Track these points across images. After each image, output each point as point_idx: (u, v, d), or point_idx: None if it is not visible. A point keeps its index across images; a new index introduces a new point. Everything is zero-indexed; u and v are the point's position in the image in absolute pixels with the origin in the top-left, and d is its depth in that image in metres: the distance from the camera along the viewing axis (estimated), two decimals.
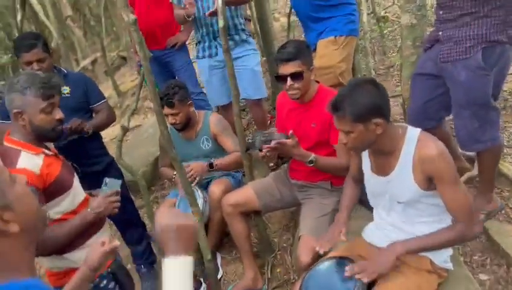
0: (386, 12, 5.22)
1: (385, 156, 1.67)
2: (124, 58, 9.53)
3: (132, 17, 1.92)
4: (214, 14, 2.70)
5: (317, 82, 2.26)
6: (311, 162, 2.08)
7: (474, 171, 2.38)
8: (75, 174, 1.84)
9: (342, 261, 1.75)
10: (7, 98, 1.67)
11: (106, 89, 7.33)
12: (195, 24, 3.05)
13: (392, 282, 1.62)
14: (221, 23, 2.24)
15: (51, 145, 2.06)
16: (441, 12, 2.01)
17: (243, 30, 3.03)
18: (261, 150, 2.09)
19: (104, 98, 2.67)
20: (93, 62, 10.14)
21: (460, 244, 1.86)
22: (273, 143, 1.99)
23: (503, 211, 2.23)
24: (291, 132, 2.01)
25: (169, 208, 1.22)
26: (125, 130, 2.53)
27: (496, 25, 1.87)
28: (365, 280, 1.56)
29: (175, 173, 2.66)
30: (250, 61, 3.02)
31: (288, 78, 2.07)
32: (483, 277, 2.00)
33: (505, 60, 1.96)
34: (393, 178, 1.65)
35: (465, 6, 1.90)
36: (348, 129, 1.59)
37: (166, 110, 2.57)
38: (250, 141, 2.12)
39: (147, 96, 5.89)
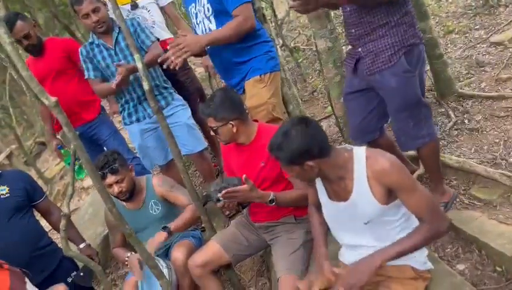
0: (295, 43, 5.49)
1: (339, 182, 1.68)
2: (42, 143, 9.05)
3: (52, 99, 1.81)
4: (121, 84, 2.64)
5: (256, 121, 2.27)
6: (271, 201, 2.05)
7: (421, 169, 2.50)
8: (26, 279, 1.64)
9: None
10: None
11: None
12: (116, 93, 2.98)
13: None
14: (146, 85, 2.19)
15: None
16: (353, 30, 2.12)
17: (165, 88, 3.01)
18: (219, 201, 2.03)
19: (44, 191, 2.51)
20: (9, 156, 9.47)
21: (435, 240, 1.88)
22: (229, 190, 1.95)
23: (457, 199, 2.34)
24: (244, 176, 1.98)
25: None
26: (67, 217, 2.33)
27: (408, 30, 2.02)
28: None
29: (128, 255, 2.50)
30: (182, 117, 2.98)
31: (211, 131, 2.19)
32: (460, 266, 2.04)
33: (422, 59, 2.12)
34: (354, 201, 1.66)
35: (376, 20, 2.02)
36: (286, 169, 1.69)
37: (110, 179, 2.42)
38: (205, 193, 2.06)
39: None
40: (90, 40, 2.91)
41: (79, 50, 2.93)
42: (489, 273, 1.97)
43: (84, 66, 2.91)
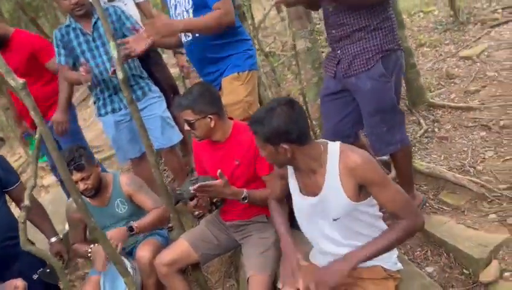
0: (270, 48, 5.53)
1: (311, 175, 1.66)
2: (0, 139, 8.66)
3: (20, 81, 1.71)
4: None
5: (231, 118, 2.24)
6: (244, 198, 2.02)
7: (393, 174, 2.53)
8: None
9: None
10: None
11: None
12: (89, 84, 2.87)
13: None
14: (120, 75, 2.12)
15: None
16: (333, 31, 2.13)
17: (142, 78, 2.94)
18: (191, 199, 1.97)
19: (19, 177, 2.36)
20: None
21: (410, 237, 1.90)
22: (202, 184, 1.90)
23: (427, 204, 2.39)
24: (219, 171, 1.94)
25: None
26: (28, 210, 2.20)
27: (387, 35, 2.04)
28: None
29: (91, 247, 2.39)
30: (157, 109, 2.92)
31: (185, 125, 2.08)
32: (429, 269, 2.07)
33: (399, 65, 2.13)
34: (324, 196, 1.64)
35: (356, 23, 2.03)
36: (260, 146, 1.64)
37: (76, 176, 2.30)
38: (178, 192, 2.00)
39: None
40: (66, 23, 2.80)
41: (53, 33, 2.81)
42: (456, 275, 2.01)
43: (56, 50, 2.79)
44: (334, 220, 1.66)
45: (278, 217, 1.93)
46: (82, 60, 2.69)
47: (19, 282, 1.94)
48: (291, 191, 1.79)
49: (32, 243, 2.43)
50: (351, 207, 1.61)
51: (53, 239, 2.50)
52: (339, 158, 1.59)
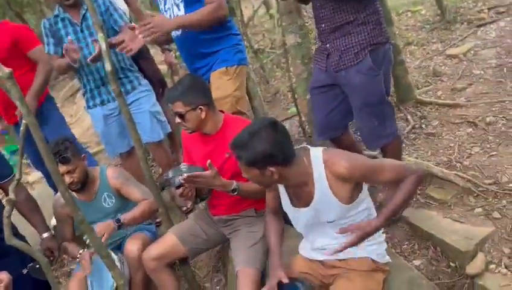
0: (259, 46, 5.53)
1: (303, 187, 1.66)
2: None
3: (6, 70, 1.68)
4: (96, 59, 2.54)
5: (222, 111, 2.23)
6: (234, 190, 2.00)
7: None
8: None
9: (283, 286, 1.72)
10: None
11: None
12: (78, 73, 2.84)
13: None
14: (108, 66, 2.09)
15: None
16: (323, 25, 2.14)
17: (131, 71, 2.92)
18: (178, 187, 1.96)
19: (12, 170, 2.34)
20: None
21: (419, 187, 1.93)
22: (191, 175, 1.88)
23: (414, 198, 2.41)
24: (208, 161, 1.92)
25: None
26: (13, 204, 2.17)
27: (374, 28, 2.05)
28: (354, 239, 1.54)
29: (80, 251, 2.36)
30: (146, 103, 2.89)
31: (176, 117, 2.07)
32: (416, 262, 2.10)
33: (388, 58, 2.15)
34: (316, 205, 1.65)
35: (344, 17, 2.04)
36: (244, 170, 1.61)
37: (61, 169, 2.28)
38: (165, 178, 1.98)
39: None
40: (55, 13, 2.79)
41: (41, 23, 2.78)
42: (443, 268, 2.04)
43: (45, 39, 2.77)
44: (329, 222, 1.68)
45: (271, 235, 1.91)
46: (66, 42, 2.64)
47: (3, 275, 1.90)
48: (282, 204, 1.80)
49: (22, 237, 2.41)
50: (344, 210, 1.63)
51: (45, 235, 2.47)
52: (325, 167, 1.59)
